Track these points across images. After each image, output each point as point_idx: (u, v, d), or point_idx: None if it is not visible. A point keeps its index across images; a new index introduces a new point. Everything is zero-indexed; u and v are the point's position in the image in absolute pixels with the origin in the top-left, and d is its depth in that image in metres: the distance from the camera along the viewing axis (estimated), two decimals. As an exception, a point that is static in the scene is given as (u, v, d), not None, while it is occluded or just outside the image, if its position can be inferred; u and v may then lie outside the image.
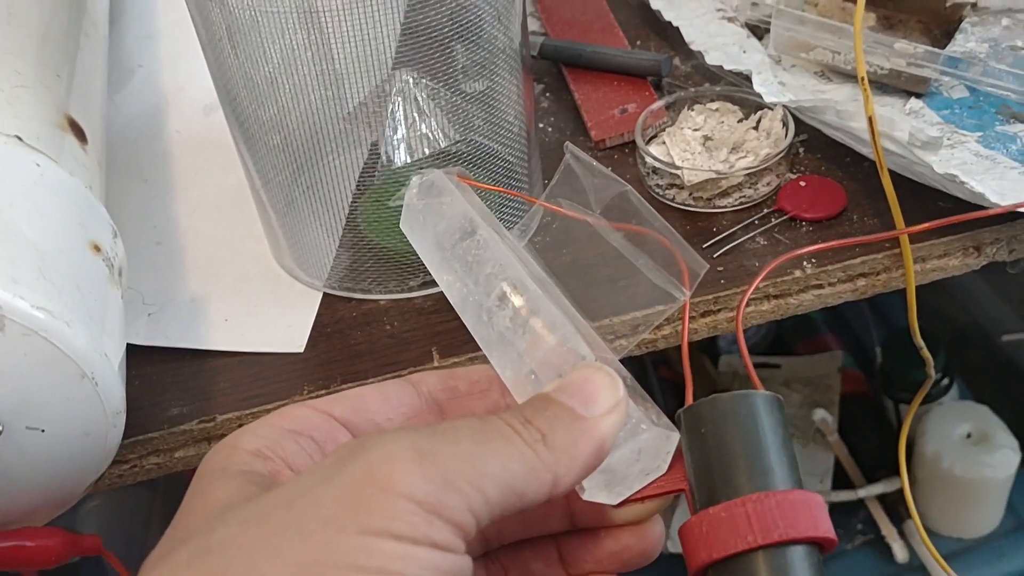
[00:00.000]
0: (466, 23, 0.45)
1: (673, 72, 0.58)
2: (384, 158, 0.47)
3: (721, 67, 0.54)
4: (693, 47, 0.56)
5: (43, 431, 0.36)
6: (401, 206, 0.39)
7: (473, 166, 0.49)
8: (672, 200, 0.50)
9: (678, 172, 0.48)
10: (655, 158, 0.49)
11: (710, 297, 0.45)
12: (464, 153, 0.49)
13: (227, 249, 0.51)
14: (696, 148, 0.50)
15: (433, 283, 0.49)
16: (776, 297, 0.46)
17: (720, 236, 0.48)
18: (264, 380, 0.45)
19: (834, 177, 0.50)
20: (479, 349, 0.45)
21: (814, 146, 0.52)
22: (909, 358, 0.68)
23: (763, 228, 0.48)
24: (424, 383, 0.32)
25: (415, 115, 0.47)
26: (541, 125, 0.57)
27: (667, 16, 0.59)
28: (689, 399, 0.31)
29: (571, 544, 0.31)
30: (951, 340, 0.85)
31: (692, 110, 0.53)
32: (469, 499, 0.23)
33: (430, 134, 0.47)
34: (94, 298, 0.37)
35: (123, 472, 0.44)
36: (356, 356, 0.46)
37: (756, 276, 0.45)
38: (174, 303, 0.48)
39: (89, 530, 0.63)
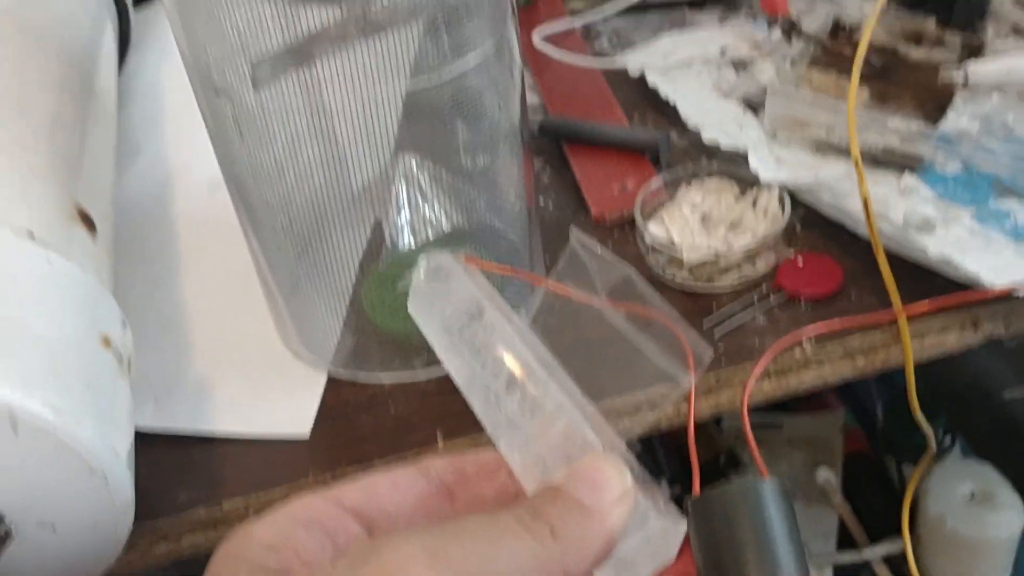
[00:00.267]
0: (467, 102, 0.46)
1: (671, 147, 0.59)
2: (388, 241, 0.48)
3: (718, 144, 0.55)
4: (689, 123, 0.57)
5: (53, 527, 0.36)
6: (407, 290, 0.39)
7: (475, 244, 0.50)
8: (672, 278, 0.50)
9: (677, 251, 0.49)
10: (655, 237, 0.50)
11: (711, 376, 0.46)
12: (466, 231, 0.50)
13: (232, 330, 0.52)
14: (695, 226, 0.51)
15: (436, 363, 0.49)
16: (777, 375, 0.47)
17: (720, 314, 0.48)
18: (270, 465, 0.45)
19: (831, 253, 0.51)
20: (483, 432, 0.45)
21: (810, 222, 0.53)
22: (910, 419, 0.69)
23: (763, 306, 0.48)
24: (432, 467, 0.32)
25: (419, 198, 0.48)
26: (542, 202, 0.58)
27: (664, 92, 0.60)
28: (696, 489, 0.31)
29: None
30: (952, 396, 0.86)
31: (690, 187, 0.53)
32: None
33: (433, 217, 0.48)
34: (104, 393, 0.37)
35: (132, 559, 0.44)
36: (361, 440, 0.46)
37: (757, 356, 0.46)
38: (180, 386, 0.49)
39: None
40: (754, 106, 0.57)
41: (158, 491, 0.44)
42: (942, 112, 0.54)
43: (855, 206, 0.47)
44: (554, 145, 0.61)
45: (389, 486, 0.31)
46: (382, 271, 0.48)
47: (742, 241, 0.50)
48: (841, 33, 0.60)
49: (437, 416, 0.46)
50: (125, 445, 0.38)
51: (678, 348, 0.34)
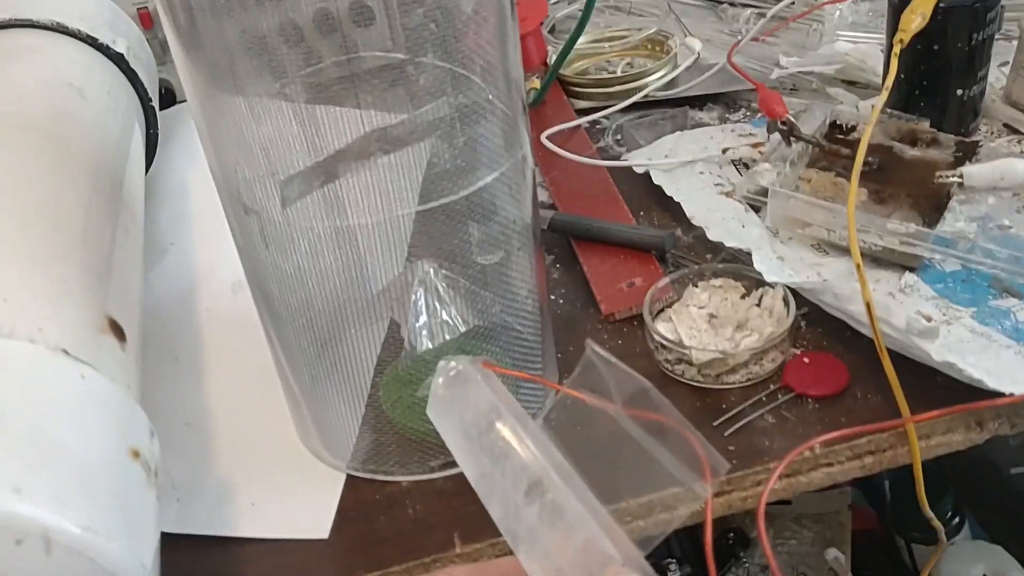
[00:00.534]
0: (482, 205, 0.48)
1: (677, 243, 0.61)
2: (407, 345, 0.49)
3: (723, 243, 0.57)
4: (694, 222, 0.59)
5: (80, 641, 0.37)
6: (427, 395, 0.40)
7: (488, 340, 0.51)
8: (681, 375, 0.52)
9: (686, 351, 0.51)
10: (663, 336, 0.52)
11: (723, 478, 0.47)
12: (482, 330, 0.51)
13: (253, 429, 0.53)
14: (702, 326, 0.53)
15: (453, 464, 0.50)
16: (787, 476, 0.48)
17: (729, 414, 0.49)
18: (290, 568, 0.46)
19: (835, 351, 0.52)
20: (500, 535, 0.46)
21: (815, 319, 0.54)
22: (917, 494, 0.69)
23: (771, 405, 0.50)
24: None
25: (436, 303, 0.50)
26: (552, 297, 0.59)
27: (668, 191, 0.62)
28: None
29: None
30: (960, 474, 0.86)
31: (697, 287, 0.55)
32: None
33: (450, 320, 0.50)
34: (133, 507, 0.38)
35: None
36: (380, 542, 0.47)
37: (768, 457, 0.47)
38: (202, 487, 0.50)
39: None
40: (756, 205, 0.60)
41: (180, 596, 0.45)
42: (939, 212, 0.56)
43: (858, 309, 0.49)
44: (564, 241, 0.63)
45: None
46: (401, 372, 0.50)
47: (749, 341, 0.51)
48: (838, 133, 0.63)
49: (455, 517, 0.47)
50: (151, 555, 0.39)
51: (693, 457, 0.35)
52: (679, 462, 0.35)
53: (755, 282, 0.54)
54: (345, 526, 0.48)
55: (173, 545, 0.47)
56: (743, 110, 0.72)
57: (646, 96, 0.73)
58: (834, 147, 0.61)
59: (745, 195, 0.59)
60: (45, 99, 0.56)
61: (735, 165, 0.64)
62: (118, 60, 0.64)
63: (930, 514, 0.51)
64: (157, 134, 0.68)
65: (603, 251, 0.61)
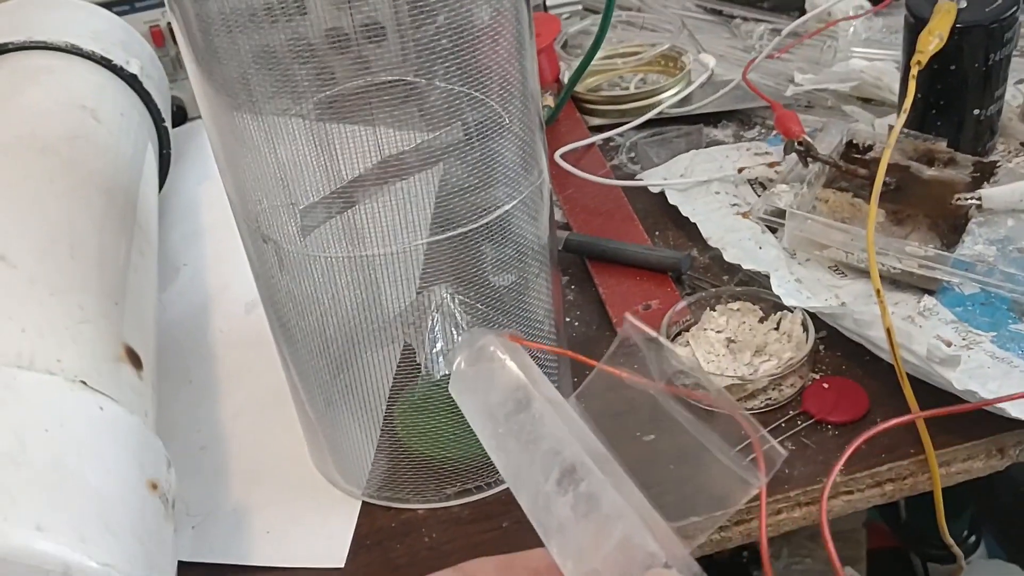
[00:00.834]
0: (500, 229, 0.48)
1: (692, 264, 0.60)
2: (424, 371, 0.49)
3: (740, 264, 0.57)
4: (711, 243, 0.59)
5: (98, 676, 0.36)
6: (448, 377, 0.37)
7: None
8: (699, 402, 0.51)
9: (704, 376, 0.50)
10: (682, 362, 0.51)
11: (743, 505, 0.46)
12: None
13: (268, 454, 0.53)
14: (720, 350, 0.52)
15: (469, 492, 0.50)
16: (807, 504, 0.47)
17: (748, 440, 0.49)
18: (307, 597, 0.46)
19: (855, 375, 0.52)
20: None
21: (834, 343, 0.54)
22: (934, 513, 0.68)
23: (790, 432, 0.49)
24: (482, 573, 0.31)
25: (452, 329, 0.50)
26: (567, 319, 0.59)
27: (684, 212, 0.62)
28: None
29: None
30: (977, 491, 0.85)
31: (714, 310, 0.55)
32: None
33: (467, 346, 0.50)
34: (151, 539, 0.38)
35: None
36: (395, 570, 0.46)
37: (789, 487, 0.47)
38: (217, 513, 0.50)
39: None
40: (773, 226, 0.59)
41: (197, 625, 0.45)
42: (957, 234, 0.55)
43: (878, 335, 0.48)
44: (579, 260, 0.63)
45: None
46: (417, 399, 0.50)
47: (767, 367, 0.51)
48: (854, 152, 0.62)
49: (471, 545, 0.47)
50: (169, 587, 0.39)
51: (745, 444, 0.31)
52: (729, 449, 0.32)
53: (773, 305, 0.54)
54: (360, 554, 0.47)
55: (189, 573, 0.47)
56: (758, 127, 0.72)
57: (660, 113, 0.73)
58: (851, 167, 0.60)
59: (762, 216, 0.59)
60: (60, 122, 0.56)
61: (751, 185, 0.64)
62: (131, 81, 0.64)
63: (950, 540, 0.51)
64: (170, 154, 0.68)
65: (619, 272, 0.60)
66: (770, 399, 0.50)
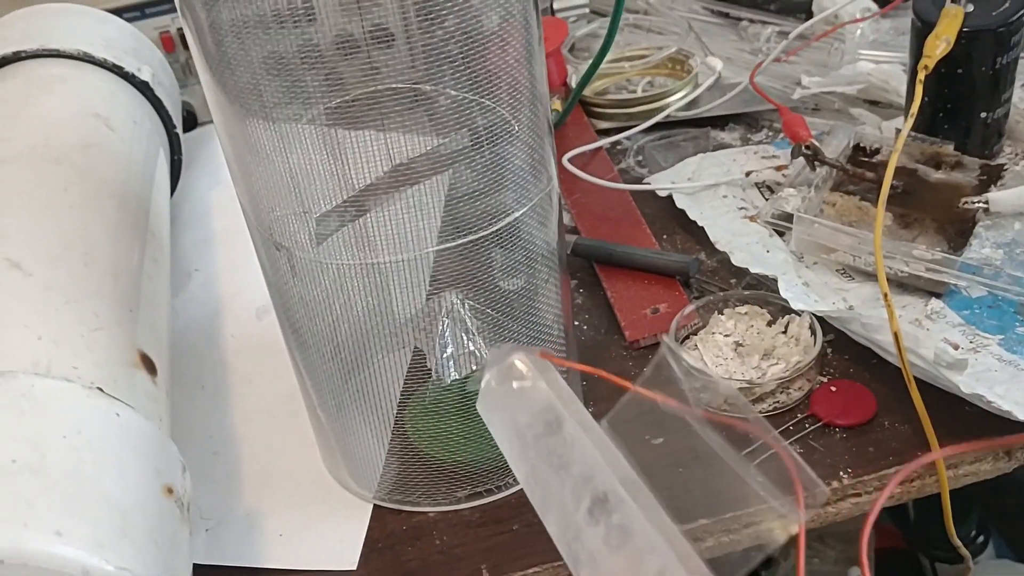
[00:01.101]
0: (509, 235, 0.48)
1: (700, 267, 0.61)
2: (434, 376, 0.49)
3: (748, 268, 0.57)
4: (719, 247, 0.59)
5: None
6: (475, 390, 0.36)
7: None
8: (707, 405, 0.52)
9: (712, 379, 0.51)
10: (690, 365, 0.52)
11: (751, 509, 0.47)
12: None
13: (280, 459, 0.53)
14: (728, 354, 0.53)
15: (480, 495, 0.51)
16: (815, 506, 0.47)
17: (756, 444, 0.49)
18: (319, 600, 0.46)
19: (862, 379, 0.52)
20: (530, 566, 0.46)
21: (841, 346, 0.54)
22: (941, 512, 0.69)
23: (798, 435, 0.50)
24: None
25: (462, 334, 0.50)
26: (576, 323, 0.59)
27: (692, 215, 0.62)
28: None
29: None
30: (984, 491, 0.85)
31: (722, 314, 0.55)
32: None
33: (477, 351, 0.50)
34: (167, 544, 0.39)
35: None
36: (407, 573, 0.47)
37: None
38: (230, 517, 0.50)
39: None
40: (780, 230, 0.59)
41: (211, 628, 0.45)
42: (964, 237, 0.55)
43: (886, 339, 0.49)
44: (587, 264, 0.63)
45: None
46: (427, 403, 0.50)
47: (775, 370, 0.51)
48: (861, 156, 0.63)
49: (483, 549, 0.47)
50: (185, 591, 0.40)
51: (782, 475, 0.31)
52: (768, 481, 0.31)
53: (781, 309, 0.54)
54: (372, 557, 0.48)
55: (202, 574, 0.47)
56: (765, 130, 0.72)
57: (668, 116, 0.73)
58: (858, 170, 0.61)
59: (769, 220, 0.59)
60: (72, 131, 0.56)
61: (759, 188, 0.64)
62: (143, 88, 0.65)
63: (957, 542, 0.51)
64: (181, 160, 0.68)
65: (627, 276, 0.61)
66: (778, 402, 0.51)
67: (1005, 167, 0.59)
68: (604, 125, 0.76)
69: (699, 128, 0.73)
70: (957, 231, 0.57)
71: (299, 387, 0.52)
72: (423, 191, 0.45)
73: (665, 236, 0.64)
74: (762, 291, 0.56)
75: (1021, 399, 0.46)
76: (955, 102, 0.60)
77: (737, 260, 0.57)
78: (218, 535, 0.49)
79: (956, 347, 0.50)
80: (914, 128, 0.60)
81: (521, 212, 0.46)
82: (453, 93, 0.44)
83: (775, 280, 0.55)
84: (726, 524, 0.43)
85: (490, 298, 0.50)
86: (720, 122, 0.74)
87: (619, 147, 0.74)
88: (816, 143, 0.61)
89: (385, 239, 0.45)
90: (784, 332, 0.53)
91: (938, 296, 0.54)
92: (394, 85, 0.45)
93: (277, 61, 0.42)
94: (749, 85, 0.72)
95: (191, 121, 0.79)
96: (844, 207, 0.59)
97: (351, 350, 0.50)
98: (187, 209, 0.71)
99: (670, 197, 0.65)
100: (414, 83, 0.44)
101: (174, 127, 0.67)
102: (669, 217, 0.65)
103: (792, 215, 0.57)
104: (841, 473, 0.47)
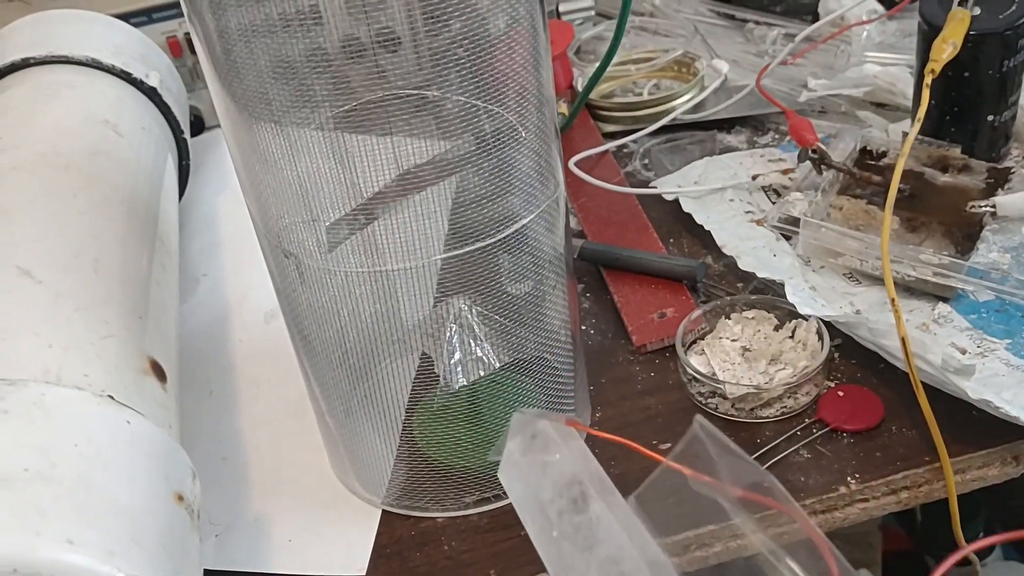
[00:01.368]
0: (516, 241, 0.48)
1: (707, 272, 0.61)
2: (442, 381, 0.50)
3: (755, 272, 0.57)
4: (725, 251, 0.59)
5: None
6: (498, 458, 0.36)
7: (522, 374, 0.51)
8: (715, 409, 0.52)
9: (720, 385, 0.51)
10: (697, 370, 0.52)
11: (757, 516, 0.47)
12: (514, 363, 0.51)
13: (289, 464, 0.53)
14: (735, 359, 0.53)
15: (488, 500, 0.51)
16: (822, 512, 0.47)
17: (763, 449, 0.49)
18: (329, 605, 0.46)
19: (870, 384, 0.52)
20: (537, 572, 0.46)
21: (849, 351, 0.54)
22: (948, 515, 0.69)
23: (805, 440, 0.50)
24: None
25: (470, 340, 0.50)
26: (583, 327, 0.59)
27: (699, 219, 0.62)
28: None
29: None
30: (991, 493, 0.85)
31: (729, 319, 0.55)
32: None
33: (485, 357, 0.50)
34: (178, 551, 0.39)
35: None
36: (416, 579, 0.47)
37: (805, 495, 0.47)
38: (239, 523, 0.50)
39: None
40: (787, 234, 0.59)
41: (221, 633, 0.46)
42: (972, 241, 0.55)
43: (893, 344, 0.49)
44: (593, 268, 0.63)
45: None
46: (435, 409, 0.50)
47: (783, 375, 0.51)
48: (868, 159, 0.63)
49: (491, 554, 0.47)
50: (195, 598, 0.40)
51: (818, 565, 0.30)
52: (801, 570, 0.31)
53: (788, 313, 0.54)
54: (381, 563, 0.48)
55: (212, 581, 0.48)
56: (772, 133, 0.72)
57: (674, 119, 0.73)
58: (865, 174, 0.61)
59: (776, 224, 0.59)
60: (81, 137, 0.57)
61: (765, 192, 0.64)
62: (151, 94, 0.65)
63: (964, 544, 0.51)
64: (189, 165, 0.69)
65: (634, 280, 0.61)
66: (785, 407, 0.51)
67: (1012, 170, 0.58)
68: (610, 128, 0.76)
69: (705, 131, 0.73)
70: (964, 235, 0.57)
71: (307, 392, 0.52)
72: (430, 197, 0.45)
73: (672, 240, 0.64)
74: (769, 295, 0.56)
75: (1029, 404, 0.46)
76: (962, 105, 0.60)
77: (744, 264, 0.57)
78: (227, 541, 0.50)
79: (963, 351, 0.50)
80: (921, 131, 0.60)
81: (529, 219, 0.46)
82: (459, 98, 0.44)
83: (782, 284, 0.55)
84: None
85: (497, 304, 0.50)
86: (726, 125, 0.74)
87: (625, 150, 0.74)
88: (823, 147, 0.61)
89: (392, 246, 0.45)
90: (791, 337, 0.53)
91: (945, 300, 0.54)
92: (401, 91, 0.45)
93: (285, 66, 0.42)
94: (755, 88, 0.72)
95: (198, 125, 0.79)
96: (851, 211, 0.59)
97: (359, 356, 0.51)
98: (195, 214, 0.71)
99: (677, 201, 0.65)
100: (421, 88, 0.44)
101: (182, 132, 0.67)
102: (676, 221, 0.65)
103: (799, 219, 0.57)
104: (848, 478, 0.47)
